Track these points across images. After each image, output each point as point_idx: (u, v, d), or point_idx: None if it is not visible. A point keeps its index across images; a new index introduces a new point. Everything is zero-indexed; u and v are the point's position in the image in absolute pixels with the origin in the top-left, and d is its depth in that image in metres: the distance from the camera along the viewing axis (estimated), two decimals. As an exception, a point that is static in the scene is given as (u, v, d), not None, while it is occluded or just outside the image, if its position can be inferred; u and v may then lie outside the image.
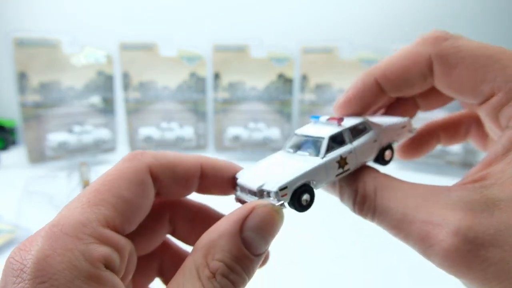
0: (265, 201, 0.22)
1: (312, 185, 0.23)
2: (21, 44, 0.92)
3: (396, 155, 0.31)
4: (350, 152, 0.25)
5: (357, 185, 0.24)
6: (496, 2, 1.15)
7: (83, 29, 1.14)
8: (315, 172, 0.23)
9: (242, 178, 0.25)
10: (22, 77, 0.93)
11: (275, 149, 1.09)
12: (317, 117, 0.28)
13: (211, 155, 1.08)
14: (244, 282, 0.20)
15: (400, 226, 0.22)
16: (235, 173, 0.26)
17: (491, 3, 1.15)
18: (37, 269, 0.16)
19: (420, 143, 0.33)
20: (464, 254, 0.19)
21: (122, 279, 0.20)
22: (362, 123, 0.26)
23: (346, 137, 0.25)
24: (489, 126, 0.26)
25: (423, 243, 0.20)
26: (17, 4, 1.20)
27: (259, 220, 0.20)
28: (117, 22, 1.22)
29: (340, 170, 0.25)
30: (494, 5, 1.15)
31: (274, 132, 1.10)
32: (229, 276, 0.19)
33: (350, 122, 0.26)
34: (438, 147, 1.10)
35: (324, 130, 0.25)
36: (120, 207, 0.20)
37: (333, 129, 0.25)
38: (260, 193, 0.23)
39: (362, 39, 1.14)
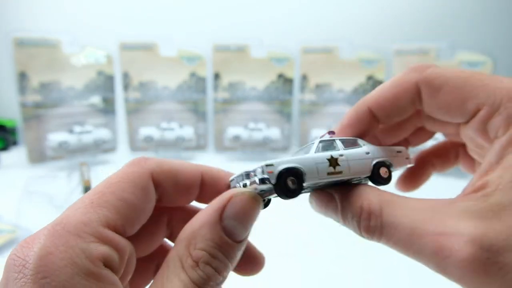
0: (242, 189, 0.22)
1: (301, 172, 0.23)
2: (21, 44, 0.92)
3: (396, 188, 0.32)
4: (341, 155, 0.25)
5: (361, 203, 0.23)
6: (496, 2, 1.15)
7: (83, 29, 1.14)
8: (305, 161, 0.24)
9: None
10: (22, 77, 0.93)
11: (275, 149, 1.10)
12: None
13: (211, 155, 1.08)
14: (227, 268, 0.21)
15: (410, 241, 0.21)
16: None
17: (491, 3, 1.15)
18: (39, 265, 0.17)
19: (417, 172, 0.34)
20: (483, 262, 0.18)
21: (121, 279, 0.20)
22: (354, 139, 0.27)
23: (338, 145, 0.26)
24: (476, 144, 0.26)
25: (438, 256, 0.20)
26: (17, 4, 1.21)
27: (238, 208, 0.21)
28: (117, 22, 1.22)
29: (332, 169, 0.24)
30: (494, 5, 1.15)
31: (274, 132, 1.10)
32: (212, 263, 0.20)
33: (342, 137, 0.27)
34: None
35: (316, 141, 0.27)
36: (122, 209, 0.21)
37: (325, 138, 0.27)
38: (247, 175, 0.23)
39: (362, 39, 1.14)
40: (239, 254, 0.22)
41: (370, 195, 0.24)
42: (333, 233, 0.65)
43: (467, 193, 0.22)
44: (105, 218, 0.20)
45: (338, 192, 0.25)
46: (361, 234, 0.23)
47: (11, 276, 0.17)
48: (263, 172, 0.22)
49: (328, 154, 0.25)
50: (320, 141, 0.26)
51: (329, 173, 0.24)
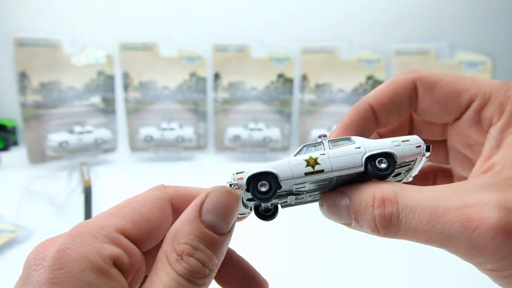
0: (218, 186, 0.23)
1: (274, 175, 0.24)
2: (21, 44, 0.92)
3: None
4: (322, 154, 0.25)
5: (374, 191, 0.23)
6: (496, 2, 1.15)
7: (83, 29, 1.14)
8: (278, 165, 0.24)
9: None
10: (22, 77, 0.94)
11: (275, 149, 1.10)
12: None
13: (211, 155, 1.08)
14: (211, 260, 0.21)
15: (433, 222, 0.20)
16: None
17: (491, 3, 1.15)
18: (56, 258, 0.19)
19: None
20: None
21: (130, 285, 0.22)
22: (347, 138, 0.26)
23: (324, 146, 0.26)
24: (466, 142, 0.27)
25: (467, 229, 0.19)
26: (18, 4, 1.21)
27: (214, 202, 0.22)
28: (117, 22, 1.22)
29: (310, 169, 0.24)
30: (493, 5, 1.15)
31: (274, 132, 1.10)
32: (195, 254, 0.21)
33: (334, 138, 0.27)
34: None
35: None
36: (138, 222, 0.23)
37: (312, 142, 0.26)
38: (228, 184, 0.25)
39: (362, 39, 1.14)
40: (224, 247, 0.22)
41: (382, 184, 0.23)
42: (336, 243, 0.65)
43: (476, 176, 0.23)
44: (121, 226, 0.22)
45: (348, 189, 0.25)
46: (376, 230, 0.22)
47: (32, 268, 0.19)
48: (232, 177, 0.24)
49: (307, 155, 0.25)
50: (304, 145, 0.26)
51: (307, 173, 0.24)
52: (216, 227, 0.22)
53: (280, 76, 1.08)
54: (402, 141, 0.26)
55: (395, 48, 1.02)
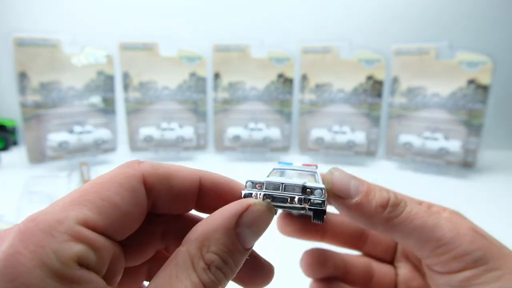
0: (259, 200, 0.22)
1: None
2: (21, 44, 0.92)
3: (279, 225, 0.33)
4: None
5: (388, 193, 0.26)
6: (496, 2, 1.15)
7: (83, 29, 1.14)
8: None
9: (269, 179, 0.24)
10: (22, 77, 0.93)
11: (275, 149, 1.10)
12: (289, 164, 0.29)
13: (211, 155, 1.08)
14: (233, 274, 0.21)
15: (429, 212, 0.25)
16: (237, 190, 0.25)
17: (491, 3, 1.15)
18: (5, 266, 0.15)
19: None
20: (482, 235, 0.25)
21: (108, 281, 0.20)
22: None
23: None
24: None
25: (453, 221, 0.25)
26: (17, 4, 1.21)
27: (255, 217, 0.21)
28: (117, 22, 1.22)
29: None
30: (494, 5, 1.15)
31: (274, 132, 1.10)
32: (222, 268, 0.20)
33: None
34: (439, 146, 1.08)
35: (307, 174, 0.27)
36: (105, 210, 0.19)
37: (316, 173, 0.27)
38: (304, 189, 0.23)
39: (361, 39, 1.14)
40: (243, 261, 0.22)
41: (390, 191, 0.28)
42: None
43: None
44: (84, 216, 0.18)
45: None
46: (384, 206, 0.25)
47: None
48: (322, 193, 0.23)
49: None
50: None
51: None
52: (246, 243, 0.21)
53: (280, 76, 1.08)
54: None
55: (395, 48, 1.02)
